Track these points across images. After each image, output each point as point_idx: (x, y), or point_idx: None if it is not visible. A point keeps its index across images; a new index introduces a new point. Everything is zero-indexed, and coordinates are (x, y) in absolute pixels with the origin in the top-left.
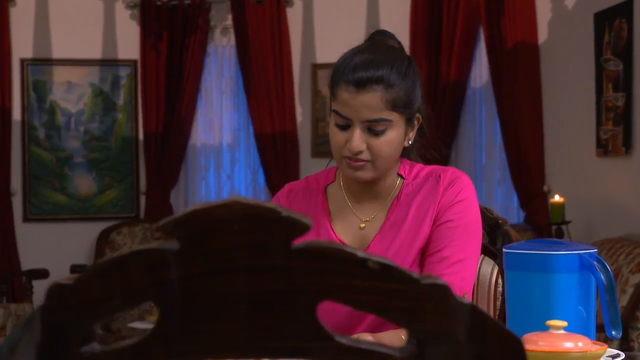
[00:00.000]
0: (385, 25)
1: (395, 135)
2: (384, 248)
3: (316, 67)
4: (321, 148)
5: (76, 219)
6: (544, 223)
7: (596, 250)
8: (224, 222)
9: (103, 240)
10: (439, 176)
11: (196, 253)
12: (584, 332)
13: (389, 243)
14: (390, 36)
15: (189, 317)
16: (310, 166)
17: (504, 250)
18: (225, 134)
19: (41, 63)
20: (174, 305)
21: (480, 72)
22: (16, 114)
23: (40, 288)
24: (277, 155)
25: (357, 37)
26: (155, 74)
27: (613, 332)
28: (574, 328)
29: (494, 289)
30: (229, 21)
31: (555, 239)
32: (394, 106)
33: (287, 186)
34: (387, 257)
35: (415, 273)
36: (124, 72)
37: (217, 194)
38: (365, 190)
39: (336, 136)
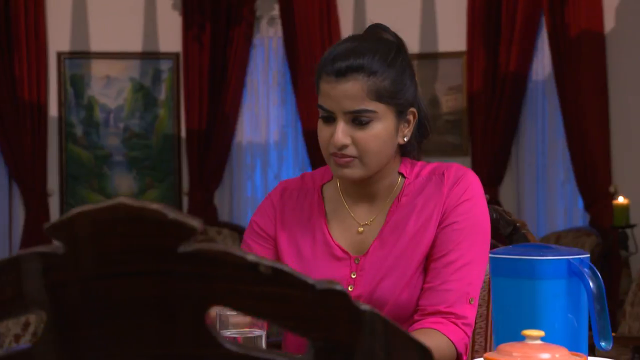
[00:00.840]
0: (442, 14)
1: (383, 129)
2: (385, 254)
3: None
4: None
5: None
6: (608, 226)
7: (588, 256)
8: (108, 225)
9: None
10: (443, 174)
11: (80, 256)
12: (574, 342)
13: (389, 249)
14: (385, 29)
15: (74, 322)
16: None
17: (490, 255)
18: (272, 131)
19: (79, 56)
20: (59, 311)
21: (542, 64)
22: (53, 110)
23: None
24: None
25: (412, 26)
26: (198, 67)
27: (602, 344)
28: (563, 337)
29: None
30: (275, 11)
31: (546, 244)
32: (378, 96)
33: (281, 184)
34: (389, 265)
35: (310, 278)
36: (165, 65)
37: (263, 194)
38: (363, 191)
39: (322, 132)
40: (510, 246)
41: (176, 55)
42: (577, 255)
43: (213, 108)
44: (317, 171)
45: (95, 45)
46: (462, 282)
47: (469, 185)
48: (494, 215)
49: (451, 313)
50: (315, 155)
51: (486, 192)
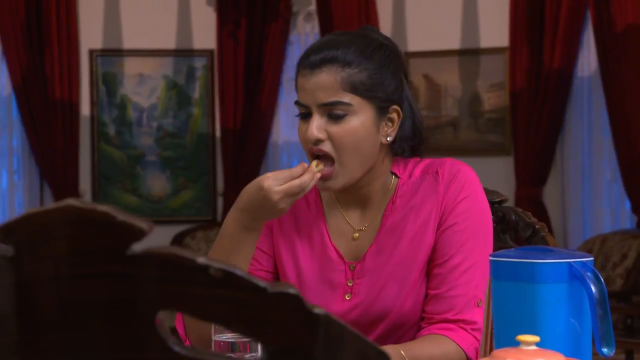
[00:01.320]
0: (483, 8)
1: (360, 124)
2: (383, 261)
3: (408, 56)
4: None
5: None
6: None
7: (591, 259)
8: (57, 227)
9: (176, 245)
10: (437, 172)
11: (29, 259)
12: (577, 347)
13: (388, 254)
14: (374, 30)
15: (23, 325)
16: None
17: (490, 258)
18: None
19: (111, 54)
20: (9, 314)
21: (588, 60)
22: (85, 109)
23: None
24: None
25: (453, 21)
26: (233, 64)
27: (605, 350)
28: (565, 343)
29: None
30: (312, 6)
31: (548, 247)
32: (353, 88)
33: None
34: (389, 272)
35: (262, 281)
36: (199, 63)
37: None
38: (355, 195)
39: (300, 130)
40: (512, 249)
41: (210, 52)
42: (580, 259)
43: (248, 106)
44: None
45: (128, 43)
46: (469, 286)
47: (465, 181)
48: (513, 217)
49: (460, 320)
50: None
51: (530, 193)
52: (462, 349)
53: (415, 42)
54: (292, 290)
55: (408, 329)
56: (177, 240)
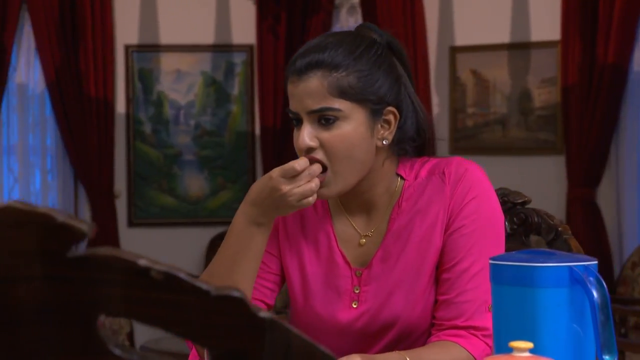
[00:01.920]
0: (534, 1)
1: (351, 130)
2: (390, 267)
3: (455, 50)
4: (461, 143)
5: (186, 223)
6: None
7: (595, 263)
8: None
9: (215, 247)
10: (443, 172)
11: None
12: (579, 353)
13: (395, 260)
14: (371, 27)
15: None
16: None
17: (490, 261)
18: None
19: (147, 50)
20: None
21: None
22: (120, 106)
23: None
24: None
25: (502, 14)
26: (274, 60)
27: (606, 357)
28: (567, 348)
29: None
30: None
31: (550, 250)
32: (341, 92)
33: None
34: (396, 278)
35: (205, 284)
36: (238, 58)
37: None
38: (359, 200)
39: (294, 137)
40: (514, 252)
41: (250, 47)
42: (582, 262)
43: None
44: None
45: (165, 38)
46: (479, 290)
47: (473, 181)
48: (536, 219)
49: (471, 326)
50: None
51: (582, 194)
52: (472, 356)
53: (463, 36)
54: (236, 294)
55: (418, 337)
56: (216, 242)
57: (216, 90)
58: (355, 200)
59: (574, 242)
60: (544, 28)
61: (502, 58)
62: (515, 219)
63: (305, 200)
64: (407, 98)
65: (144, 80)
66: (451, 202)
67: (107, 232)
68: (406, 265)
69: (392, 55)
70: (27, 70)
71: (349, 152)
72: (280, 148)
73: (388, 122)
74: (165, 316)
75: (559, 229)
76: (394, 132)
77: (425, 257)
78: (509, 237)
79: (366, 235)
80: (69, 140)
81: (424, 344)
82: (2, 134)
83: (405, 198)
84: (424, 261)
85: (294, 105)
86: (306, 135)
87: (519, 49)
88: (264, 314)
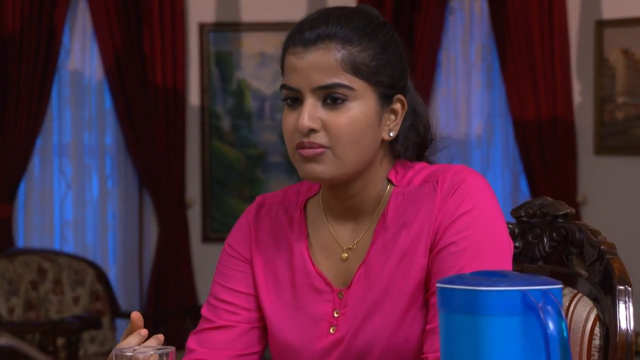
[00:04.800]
0: None
1: (361, 112)
2: (367, 287)
3: (601, 25)
4: (609, 141)
5: None
6: None
7: (559, 287)
8: None
9: None
10: (437, 181)
11: None
12: None
13: (374, 279)
14: (372, 9)
15: None
16: (592, 167)
17: (437, 284)
18: (475, 123)
19: (226, 29)
20: None
21: None
22: (193, 97)
23: None
24: (543, 151)
25: None
26: None
27: None
28: None
29: (588, 341)
30: None
31: (506, 271)
32: (355, 69)
33: (258, 199)
34: (373, 299)
35: None
36: None
37: None
38: (345, 204)
39: (286, 120)
40: (468, 274)
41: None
42: (539, 287)
43: None
44: (304, 183)
45: (247, 15)
46: None
47: (469, 192)
48: (578, 235)
49: None
50: (529, 154)
51: None
52: None
53: (611, 8)
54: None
55: None
56: None
57: None
58: (344, 203)
59: (617, 264)
60: None
61: None
62: (554, 234)
63: None
64: (412, 90)
65: (221, 65)
66: (440, 214)
67: (177, 249)
68: (384, 285)
69: (399, 41)
70: (83, 55)
71: (355, 137)
72: None
73: (395, 112)
74: None
75: (602, 247)
76: (399, 124)
77: (407, 276)
78: (548, 256)
79: (349, 249)
80: (132, 139)
81: None
82: (53, 131)
83: (392, 206)
84: (405, 281)
85: (295, 81)
86: (307, 115)
87: None
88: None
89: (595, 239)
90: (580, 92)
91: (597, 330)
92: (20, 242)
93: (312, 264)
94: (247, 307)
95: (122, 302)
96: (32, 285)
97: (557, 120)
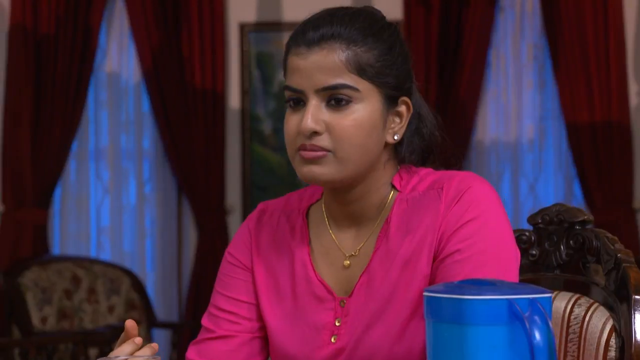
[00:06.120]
0: None
1: (366, 114)
2: (369, 296)
3: None
4: None
5: None
6: None
7: (546, 296)
8: None
9: None
10: (442, 187)
11: None
12: None
13: (376, 287)
14: (377, 11)
15: None
16: None
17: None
18: (526, 125)
19: (267, 29)
20: None
21: None
22: (233, 100)
23: None
24: (598, 155)
25: None
26: (425, 38)
27: None
28: None
29: (604, 354)
30: None
31: (493, 280)
32: (360, 69)
33: (260, 205)
34: (375, 308)
35: None
36: None
37: (513, 209)
38: (348, 210)
39: (288, 122)
40: (455, 282)
41: (395, 23)
42: (526, 295)
43: (443, 92)
44: (308, 189)
45: (289, 14)
46: None
47: (474, 200)
48: (594, 243)
49: None
50: (583, 158)
51: None
52: None
53: None
54: None
55: None
56: None
57: None
58: (346, 209)
59: (634, 273)
60: None
61: None
62: (572, 242)
63: None
64: (417, 93)
65: (263, 67)
66: (444, 222)
67: (216, 257)
68: (387, 293)
69: (404, 42)
70: (120, 56)
71: (360, 141)
72: None
73: (400, 115)
74: None
75: (619, 255)
76: (404, 127)
77: (409, 284)
78: (565, 264)
79: (351, 256)
80: (169, 143)
81: None
82: (89, 135)
83: (395, 213)
84: (407, 290)
85: (298, 82)
86: (311, 117)
87: None
88: None
89: (612, 247)
90: (637, 94)
91: (612, 341)
92: (56, 249)
93: (314, 271)
94: (248, 317)
95: (160, 311)
96: (66, 294)
97: (612, 123)
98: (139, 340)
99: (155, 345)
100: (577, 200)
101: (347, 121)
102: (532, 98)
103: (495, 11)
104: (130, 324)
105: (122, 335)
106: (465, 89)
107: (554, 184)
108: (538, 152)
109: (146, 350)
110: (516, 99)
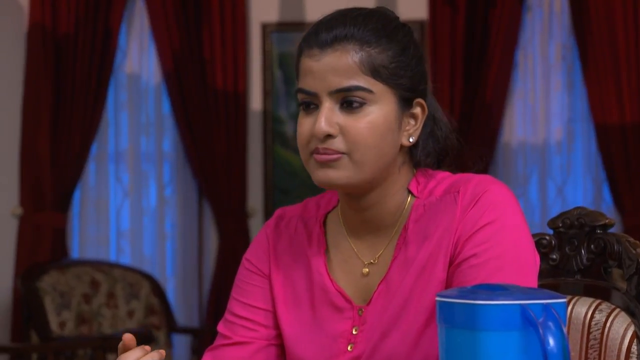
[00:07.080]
0: None
1: (381, 116)
2: (387, 303)
3: None
4: None
5: None
6: None
7: (561, 301)
8: None
9: None
10: (458, 191)
11: None
12: None
13: (393, 294)
14: (390, 12)
15: None
16: None
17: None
18: (554, 127)
19: (290, 29)
20: None
21: None
22: (255, 101)
23: None
24: (628, 158)
25: None
26: (450, 39)
27: None
28: None
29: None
30: None
31: (506, 285)
32: (374, 71)
33: (278, 211)
34: (392, 315)
35: None
36: None
37: (542, 213)
38: (365, 217)
39: (302, 125)
40: (469, 287)
41: (420, 23)
42: (540, 300)
43: (470, 93)
44: (325, 195)
45: (312, 14)
46: None
47: (491, 204)
48: (616, 248)
49: None
50: (612, 161)
51: None
52: None
53: None
54: None
55: None
56: None
57: None
58: (363, 216)
59: None
60: None
61: None
62: (592, 246)
63: None
64: (431, 95)
65: (285, 67)
66: (460, 226)
67: (238, 261)
68: (404, 299)
69: (418, 43)
70: (140, 57)
71: (375, 143)
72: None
73: (415, 117)
74: None
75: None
76: (419, 129)
77: (426, 290)
78: (586, 269)
79: (370, 264)
80: (190, 145)
81: None
82: (109, 137)
83: (413, 219)
84: (423, 296)
85: (311, 84)
86: (324, 120)
87: None
88: None
89: (634, 251)
90: None
91: (634, 348)
92: (75, 253)
93: (331, 281)
94: (264, 324)
95: (180, 316)
96: (84, 299)
97: None
98: (147, 347)
99: (162, 352)
100: (606, 204)
101: (361, 123)
102: (561, 99)
103: (522, 10)
104: (128, 337)
105: (120, 345)
106: (492, 90)
107: (583, 187)
108: (566, 155)
109: (155, 355)
110: (544, 100)
